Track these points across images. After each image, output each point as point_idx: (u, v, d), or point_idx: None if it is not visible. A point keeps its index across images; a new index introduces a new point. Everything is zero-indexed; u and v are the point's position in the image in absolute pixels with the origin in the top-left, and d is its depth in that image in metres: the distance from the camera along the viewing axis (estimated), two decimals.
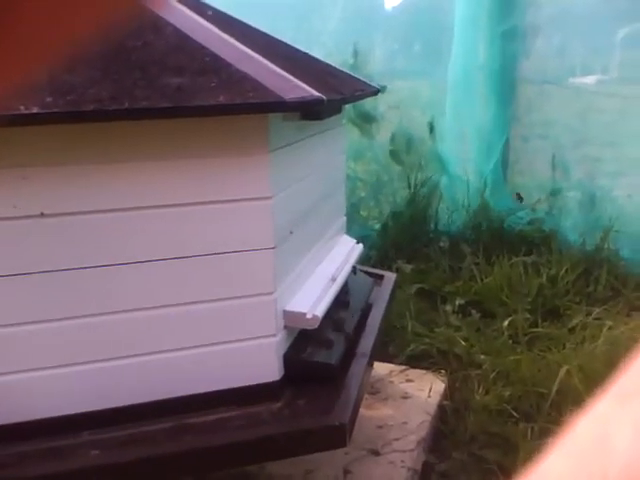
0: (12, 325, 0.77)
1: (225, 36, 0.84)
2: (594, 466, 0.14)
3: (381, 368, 1.55)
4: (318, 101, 0.74)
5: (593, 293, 1.91)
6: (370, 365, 1.07)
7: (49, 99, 0.68)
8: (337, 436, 0.84)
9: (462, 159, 2.35)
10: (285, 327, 0.93)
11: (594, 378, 1.46)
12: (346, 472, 1.24)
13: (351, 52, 2.27)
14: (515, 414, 1.41)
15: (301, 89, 0.74)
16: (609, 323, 1.69)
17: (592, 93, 2.25)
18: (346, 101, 0.99)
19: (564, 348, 1.62)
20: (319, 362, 0.94)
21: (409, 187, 2.29)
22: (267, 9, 2.21)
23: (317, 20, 2.44)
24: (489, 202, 2.27)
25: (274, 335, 0.89)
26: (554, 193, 2.24)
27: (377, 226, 2.29)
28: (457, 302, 1.88)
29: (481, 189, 2.27)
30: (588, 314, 1.78)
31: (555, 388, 1.45)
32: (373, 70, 2.30)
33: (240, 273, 0.86)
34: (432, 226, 2.29)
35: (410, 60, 2.45)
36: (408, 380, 1.55)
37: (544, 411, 1.41)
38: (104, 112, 0.68)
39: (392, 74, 2.40)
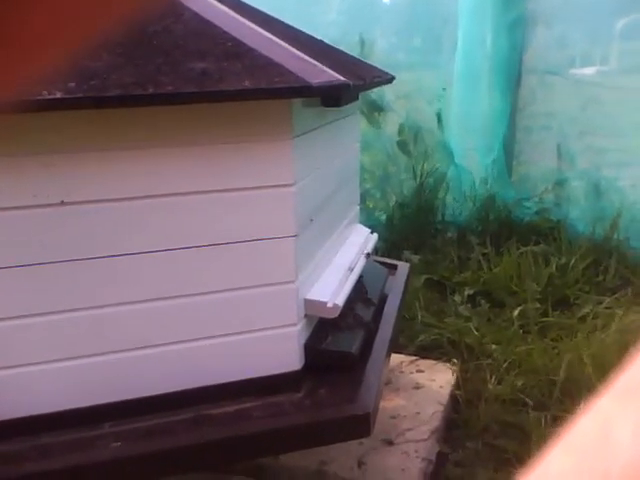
0: (33, 315, 0.76)
1: (245, 21, 0.82)
2: (596, 464, 0.13)
3: (392, 358, 1.55)
4: (344, 86, 0.73)
5: (603, 282, 1.91)
6: (388, 355, 1.07)
7: (72, 84, 0.67)
8: (361, 425, 0.84)
9: (468, 149, 2.34)
10: (305, 316, 0.92)
11: (606, 367, 1.46)
12: (360, 463, 1.24)
13: (354, 44, 2.26)
14: (529, 402, 1.41)
15: (327, 74, 0.73)
16: (619, 312, 1.69)
17: (593, 84, 2.24)
18: (367, 87, 0.98)
19: (575, 337, 1.61)
20: (340, 351, 0.93)
21: (415, 178, 2.28)
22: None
23: (317, 12, 2.42)
24: (494, 193, 2.27)
25: (295, 324, 0.88)
26: (560, 183, 2.24)
27: (383, 217, 2.28)
28: (466, 292, 1.87)
29: (486, 180, 2.27)
30: (598, 303, 1.78)
31: (567, 377, 1.45)
32: (376, 62, 2.29)
33: (262, 261, 0.85)
34: (439, 217, 2.28)
35: (412, 52, 2.44)
36: (419, 370, 1.55)
37: (557, 400, 1.41)
38: (128, 97, 0.67)
39: (396, 65, 2.38)
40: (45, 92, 0.66)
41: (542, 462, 0.14)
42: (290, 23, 1.16)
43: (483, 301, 1.83)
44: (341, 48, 1.28)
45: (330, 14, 2.42)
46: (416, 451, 1.27)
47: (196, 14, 0.80)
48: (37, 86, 0.66)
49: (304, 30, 1.17)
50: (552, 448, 0.15)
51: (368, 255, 1.20)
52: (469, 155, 2.31)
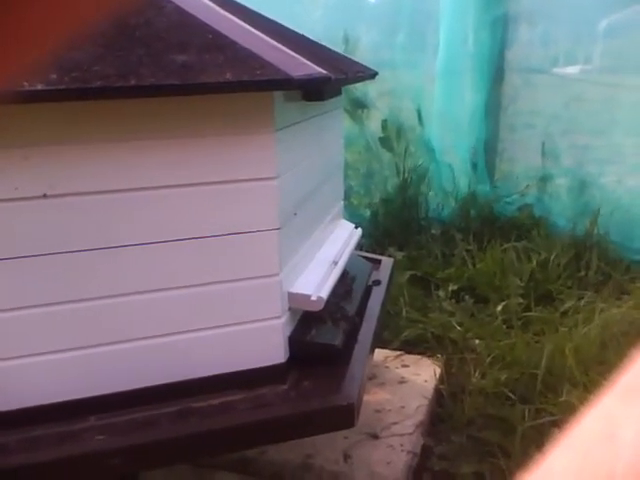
0: (16, 309, 0.76)
1: (227, 14, 0.83)
2: (599, 463, 0.14)
3: (377, 354, 1.56)
4: (325, 79, 0.73)
5: (584, 277, 1.93)
6: (372, 349, 1.07)
7: (53, 76, 0.66)
8: (345, 416, 0.84)
9: (449, 146, 2.36)
10: (289, 309, 0.92)
11: (588, 360, 1.48)
12: (346, 456, 1.24)
13: (338, 41, 2.26)
14: (512, 396, 1.42)
15: (308, 67, 0.74)
16: (601, 306, 1.71)
17: (576, 82, 2.26)
18: (350, 81, 0.99)
19: (557, 331, 1.63)
20: (323, 343, 0.94)
21: (398, 174, 2.30)
22: None
23: (301, 9, 2.42)
24: (475, 189, 2.28)
25: (279, 317, 0.89)
26: (543, 179, 2.26)
27: (368, 214, 2.29)
28: (450, 288, 1.88)
29: (467, 176, 2.29)
30: (580, 298, 1.80)
31: (549, 370, 1.46)
32: (360, 59, 2.29)
33: (245, 254, 0.85)
34: (423, 213, 2.29)
35: (396, 49, 2.45)
36: (404, 365, 1.56)
37: (540, 392, 1.42)
38: (111, 89, 0.67)
39: (380, 63, 2.39)
40: (26, 84, 0.66)
41: (546, 460, 0.15)
42: (273, 18, 1.16)
43: (467, 296, 1.85)
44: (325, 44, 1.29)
45: (315, 11, 2.43)
46: (401, 444, 1.28)
47: (177, 7, 0.80)
48: (17, 78, 0.66)
49: (288, 26, 1.18)
50: (556, 446, 0.15)
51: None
52: (451, 152, 2.33)
